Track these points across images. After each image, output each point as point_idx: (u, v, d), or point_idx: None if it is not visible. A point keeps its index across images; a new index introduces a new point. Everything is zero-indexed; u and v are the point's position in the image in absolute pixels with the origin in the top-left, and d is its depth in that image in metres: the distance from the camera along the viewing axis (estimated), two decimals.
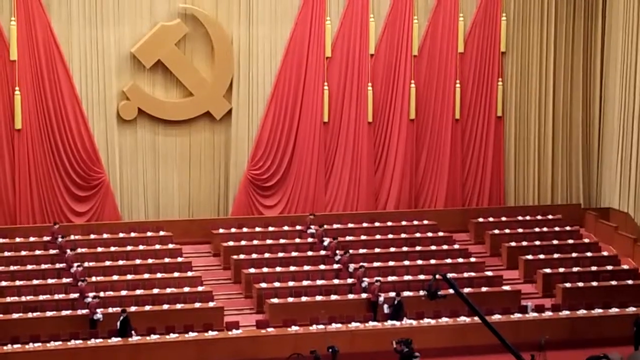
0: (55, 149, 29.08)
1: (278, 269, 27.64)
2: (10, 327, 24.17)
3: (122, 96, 29.68)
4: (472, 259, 29.05)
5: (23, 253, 27.52)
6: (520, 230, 30.67)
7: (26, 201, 28.87)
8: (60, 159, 29.13)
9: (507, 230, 30.59)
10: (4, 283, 26.05)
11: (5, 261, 27.02)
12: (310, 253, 28.66)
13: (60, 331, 24.06)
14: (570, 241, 30.27)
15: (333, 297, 26.47)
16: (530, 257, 29.14)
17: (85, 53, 29.16)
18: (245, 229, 29.51)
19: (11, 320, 24.44)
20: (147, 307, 25.38)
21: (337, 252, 28.30)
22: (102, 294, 25.53)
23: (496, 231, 30.52)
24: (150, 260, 27.68)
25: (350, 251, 28.29)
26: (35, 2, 28.50)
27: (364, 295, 26.53)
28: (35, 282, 26.23)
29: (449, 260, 28.73)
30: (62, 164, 29.17)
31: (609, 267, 28.81)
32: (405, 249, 29.21)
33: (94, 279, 26.37)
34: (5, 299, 25.34)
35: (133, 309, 25.19)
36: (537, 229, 30.80)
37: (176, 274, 27.18)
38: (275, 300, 26.11)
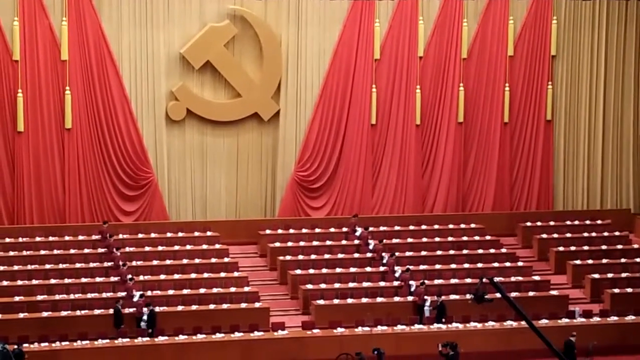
0: (104, 148, 29.34)
1: (324, 270, 27.65)
2: (59, 325, 24.42)
3: (171, 97, 29.88)
4: (520, 263, 28.85)
5: (72, 251, 27.79)
6: (568, 234, 30.41)
7: (75, 200, 29.16)
8: (109, 158, 29.39)
9: (555, 235, 30.34)
10: (53, 281, 26.33)
11: (55, 259, 27.31)
12: (356, 255, 28.63)
13: (107, 329, 24.24)
14: (620, 246, 29.94)
15: (379, 299, 26.43)
16: (578, 262, 28.88)
17: (135, 54, 29.40)
18: (292, 230, 29.55)
19: (60, 318, 24.69)
20: (194, 307, 25.51)
21: (383, 254, 28.24)
22: (149, 292, 25.69)
23: (544, 235, 30.28)
24: (197, 260, 27.81)
25: (397, 254, 28.22)
26: (86, 3, 28.78)
27: (410, 298, 26.46)
28: (83, 280, 26.47)
29: (496, 264, 28.57)
30: (111, 163, 29.42)
31: None
32: (452, 252, 29.07)
33: (141, 278, 26.55)
34: (54, 296, 25.60)
35: (180, 308, 25.36)
36: (585, 234, 30.52)
37: (223, 274, 27.29)
38: (321, 302, 26.12)
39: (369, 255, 28.58)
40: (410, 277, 27.04)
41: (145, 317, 24.52)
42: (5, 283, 26.05)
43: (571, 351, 23.07)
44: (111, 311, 24.95)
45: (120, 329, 24.27)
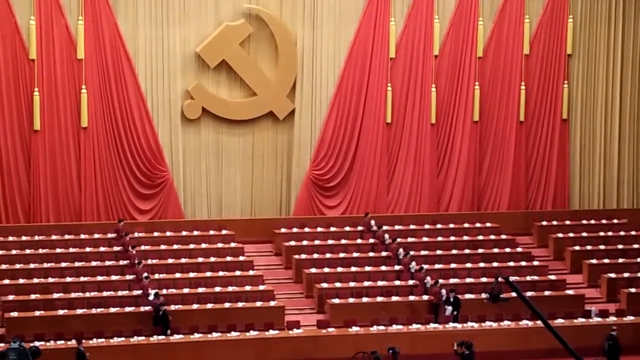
0: (120, 147, 29.42)
1: (339, 269, 27.65)
2: (75, 323, 24.49)
3: (186, 95, 29.93)
4: (535, 263, 28.79)
5: (88, 249, 27.87)
6: (584, 234, 30.32)
7: (91, 198, 29.24)
8: (125, 157, 29.47)
9: (571, 234, 30.25)
10: (69, 279, 26.41)
11: (70, 257, 27.39)
12: (371, 254, 28.61)
13: (123, 327, 24.30)
14: (636, 246, 29.82)
15: (394, 298, 26.41)
16: (594, 261, 28.79)
17: (150, 52, 29.46)
18: (307, 229, 29.56)
19: (75, 316, 24.77)
20: (209, 305, 25.55)
21: (400, 250, 28.19)
22: (164, 291, 25.75)
23: (560, 235, 30.20)
24: (212, 259, 27.85)
25: (411, 252, 28.20)
26: (102, 2, 28.86)
27: (425, 297, 26.43)
28: (99, 278, 26.54)
29: (511, 264, 28.51)
30: (127, 162, 29.49)
31: None
32: (467, 251, 29.03)
33: (156, 276, 26.61)
34: (69, 294, 25.69)
35: (195, 306, 25.40)
36: (601, 233, 30.43)
37: (238, 273, 27.32)
38: (336, 301, 26.12)
39: (384, 254, 28.56)
40: (424, 275, 27.01)
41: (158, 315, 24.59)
42: (21, 281, 26.16)
43: (616, 345, 23.20)
44: (127, 309, 25.01)
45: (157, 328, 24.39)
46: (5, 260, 27.03)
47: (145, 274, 26.12)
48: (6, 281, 26.06)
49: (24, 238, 28.06)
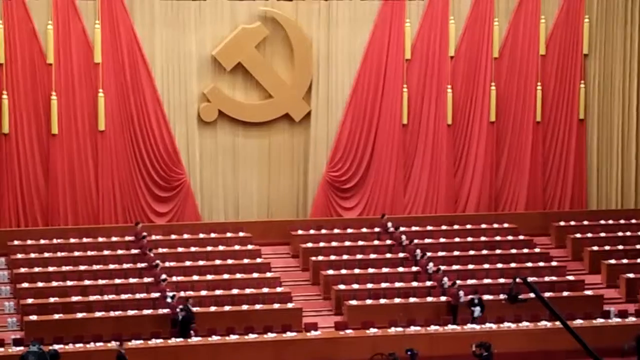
0: (137, 150, 29.50)
1: (356, 270, 27.65)
2: (93, 325, 24.58)
3: (202, 98, 29.99)
4: (554, 263, 28.72)
5: (105, 252, 27.93)
6: (602, 234, 30.22)
7: (109, 201, 29.32)
8: (142, 160, 29.54)
9: (589, 234, 30.15)
10: (87, 282, 26.51)
11: (89, 260, 27.48)
12: (388, 255, 28.60)
13: (141, 330, 24.37)
14: None
15: (412, 299, 26.39)
16: (613, 261, 28.70)
17: (167, 55, 29.53)
18: (324, 231, 29.56)
19: (94, 319, 24.85)
20: (227, 308, 25.59)
21: (417, 251, 28.16)
22: (182, 293, 25.80)
23: (578, 235, 30.11)
24: (229, 261, 27.89)
25: (428, 254, 28.17)
26: (119, 6, 28.96)
27: (443, 298, 26.40)
28: (117, 281, 26.62)
29: (529, 264, 28.45)
30: (144, 164, 29.57)
31: None
32: (485, 252, 28.98)
33: (174, 278, 26.67)
34: (88, 297, 25.78)
35: (212, 308, 25.45)
36: (620, 233, 30.32)
37: (255, 275, 27.35)
38: (353, 302, 26.12)
39: (401, 255, 28.54)
40: (441, 276, 26.98)
41: (179, 317, 24.63)
42: (40, 284, 26.26)
43: None
44: (145, 312, 25.09)
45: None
46: (24, 263, 27.15)
47: (163, 276, 26.19)
48: (25, 284, 26.17)
49: (42, 241, 28.17)
